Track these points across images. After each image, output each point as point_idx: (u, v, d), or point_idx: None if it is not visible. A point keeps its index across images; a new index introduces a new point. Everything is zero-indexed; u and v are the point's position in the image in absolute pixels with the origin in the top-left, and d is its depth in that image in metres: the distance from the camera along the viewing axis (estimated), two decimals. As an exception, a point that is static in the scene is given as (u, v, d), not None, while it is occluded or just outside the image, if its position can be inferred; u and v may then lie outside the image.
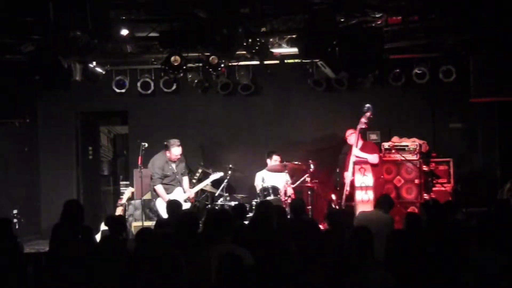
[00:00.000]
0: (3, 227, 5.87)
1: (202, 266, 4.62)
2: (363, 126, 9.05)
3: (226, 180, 9.38)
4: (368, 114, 8.95)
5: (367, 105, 9.01)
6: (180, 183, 9.23)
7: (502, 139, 10.43)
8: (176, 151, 9.11)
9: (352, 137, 9.20)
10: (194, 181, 9.66)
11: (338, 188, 9.54)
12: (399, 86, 10.31)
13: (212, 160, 10.12)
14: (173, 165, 9.22)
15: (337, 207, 9.28)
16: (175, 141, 9.13)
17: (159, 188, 9.10)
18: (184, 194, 9.18)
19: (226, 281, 4.10)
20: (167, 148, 9.14)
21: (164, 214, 8.08)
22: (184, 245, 5.15)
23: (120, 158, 13.12)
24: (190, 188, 9.38)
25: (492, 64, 9.29)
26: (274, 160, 9.74)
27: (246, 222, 6.75)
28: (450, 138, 10.69)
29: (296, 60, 9.94)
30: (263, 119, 10.94)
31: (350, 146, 9.22)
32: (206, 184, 9.44)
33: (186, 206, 8.95)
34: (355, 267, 4.60)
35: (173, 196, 9.03)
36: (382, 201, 7.06)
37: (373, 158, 9.00)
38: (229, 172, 9.50)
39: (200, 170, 9.69)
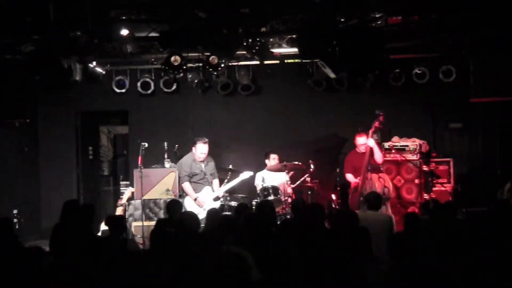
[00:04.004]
0: (3, 227, 5.87)
1: (203, 266, 4.61)
2: (373, 129, 8.89)
3: (226, 180, 9.38)
4: (381, 118, 8.81)
5: (377, 111, 8.86)
6: (209, 183, 9.27)
7: (502, 139, 10.43)
8: (201, 147, 9.22)
9: (363, 138, 8.92)
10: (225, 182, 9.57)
11: (338, 188, 9.53)
12: (399, 86, 10.30)
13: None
14: (202, 165, 9.29)
15: (337, 207, 9.28)
16: (203, 139, 9.27)
17: (187, 185, 9.19)
18: (213, 193, 9.22)
19: (229, 281, 4.10)
20: (194, 144, 9.26)
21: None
22: (185, 244, 5.15)
23: (120, 158, 13.11)
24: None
25: (492, 64, 9.30)
26: (273, 159, 9.74)
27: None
28: (450, 138, 10.69)
29: (296, 60, 9.94)
30: (263, 119, 10.94)
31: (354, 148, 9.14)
32: (235, 183, 9.35)
33: (215, 205, 9.01)
34: (355, 267, 4.60)
35: (202, 194, 9.09)
36: (373, 200, 7.02)
37: (381, 157, 8.95)
38: (229, 172, 9.49)
39: (229, 173, 9.59)
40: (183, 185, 9.27)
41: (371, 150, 8.83)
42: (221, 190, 9.25)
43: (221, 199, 9.23)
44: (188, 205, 8.99)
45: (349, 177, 9.07)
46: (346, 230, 5.41)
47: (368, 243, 5.00)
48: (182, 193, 9.42)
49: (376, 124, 8.84)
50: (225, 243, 4.97)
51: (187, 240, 5.48)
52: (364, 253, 4.82)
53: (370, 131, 8.86)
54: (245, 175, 9.35)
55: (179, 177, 9.41)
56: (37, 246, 5.34)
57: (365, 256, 4.79)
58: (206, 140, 9.30)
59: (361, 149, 8.97)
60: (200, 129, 10.60)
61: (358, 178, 8.77)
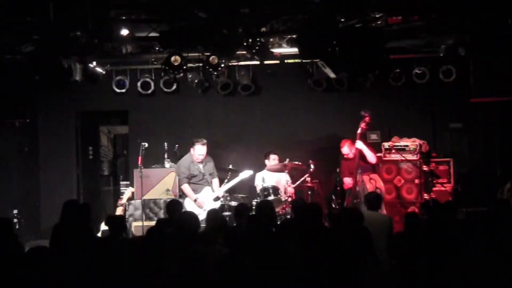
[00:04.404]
0: (3, 227, 5.87)
1: (197, 265, 4.61)
2: (360, 131, 8.91)
3: (226, 180, 9.37)
4: (366, 119, 8.84)
5: (362, 112, 8.86)
6: (208, 183, 9.26)
7: (502, 139, 10.43)
8: (199, 149, 9.18)
9: (345, 147, 9.05)
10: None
11: (338, 188, 9.53)
12: (399, 86, 10.31)
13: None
14: (200, 165, 9.27)
15: (337, 207, 9.28)
16: (201, 140, 9.24)
17: (186, 187, 9.18)
18: (213, 193, 9.21)
19: (226, 281, 4.10)
20: (192, 145, 9.25)
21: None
22: (184, 244, 5.15)
23: (120, 158, 13.12)
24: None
25: (492, 64, 9.30)
26: (273, 159, 9.74)
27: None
28: (450, 138, 10.69)
29: (296, 60, 9.94)
30: (263, 119, 10.94)
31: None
32: (235, 182, 9.32)
33: (215, 205, 9.01)
34: (355, 267, 4.60)
35: (202, 195, 9.09)
36: (373, 200, 7.01)
37: (372, 156, 8.96)
38: (229, 172, 9.48)
39: (229, 173, 9.55)
40: (182, 187, 9.25)
41: (361, 152, 8.83)
42: (221, 190, 9.25)
43: (221, 199, 9.23)
44: (188, 206, 8.98)
45: (347, 180, 9.08)
46: (348, 230, 5.40)
47: (369, 243, 5.00)
48: (182, 194, 9.43)
49: (363, 125, 8.82)
50: (216, 243, 4.98)
51: (186, 240, 5.48)
52: (364, 253, 4.81)
53: (358, 134, 8.85)
54: (245, 174, 9.34)
55: (178, 179, 9.41)
56: (43, 246, 5.36)
57: (365, 256, 4.78)
58: (205, 141, 9.27)
59: (349, 156, 8.99)
60: (200, 129, 10.61)
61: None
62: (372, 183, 8.63)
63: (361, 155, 8.84)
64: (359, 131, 8.84)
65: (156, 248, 5.00)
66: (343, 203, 9.11)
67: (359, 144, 8.84)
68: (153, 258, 4.76)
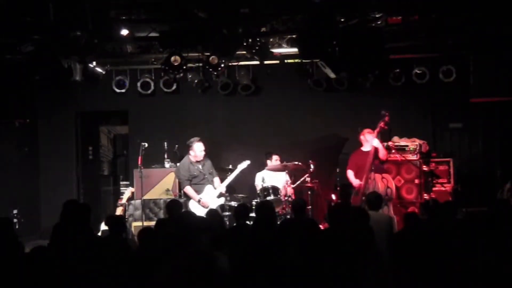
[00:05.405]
0: (3, 227, 5.87)
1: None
2: (378, 130, 8.90)
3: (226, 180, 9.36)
4: (386, 118, 8.83)
5: (383, 111, 8.88)
6: (210, 182, 9.25)
7: (502, 139, 10.44)
8: (198, 146, 9.17)
9: (369, 135, 8.95)
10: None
11: (338, 188, 9.53)
12: (399, 86, 10.30)
13: (212, 160, 10.10)
14: (199, 166, 9.25)
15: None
16: (195, 138, 9.23)
17: (188, 189, 9.16)
18: (215, 190, 9.19)
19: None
20: (189, 147, 9.21)
21: (198, 214, 7.85)
22: (184, 243, 5.14)
23: (120, 158, 13.12)
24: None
25: (492, 64, 9.31)
26: (275, 160, 9.74)
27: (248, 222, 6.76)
28: (450, 138, 10.69)
29: (296, 60, 9.95)
30: (263, 119, 10.94)
31: (359, 147, 9.14)
32: (235, 175, 9.30)
33: (219, 202, 9.05)
34: (356, 266, 4.60)
35: (204, 194, 9.09)
36: (373, 200, 7.00)
37: (384, 155, 8.96)
38: (229, 172, 9.48)
39: (229, 173, 9.51)
40: (184, 189, 9.21)
41: (376, 150, 8.83)
42: (222, 186, 9.23)
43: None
44: (193, 207, 8.95)
45: (350, 174, 9.03)
46: (352, 228, 5.39)
47: (371, 243, 5.00)
48: (181, 195, 9.39)
49: (382, 124, 8.84)
50: (200, 244, 4.98)
51: (186, 239, 5.48)
52: (366, 253, 4.81)
53: (375, 131, 8.85)
54: (243, 165, 9.32)
55: (179, 183, 9.41)
56: (45, 246, 5.36)
57: (367, 256, 4.78)
58: (199, 138, 9.27)
59: (366, 145, 8.95)
60: (200, 129, 10.60)
61: (362, 178, 8.75)
62: (384, 182, 8.63)
63: (375, 153, 8.83)
64: (377, 130, 8.84)
65: (152, 248, 5.00)
66: (345, 202, 9.08)
67: (376, 143, 8.82)
68: (151, 258, 4.76)
